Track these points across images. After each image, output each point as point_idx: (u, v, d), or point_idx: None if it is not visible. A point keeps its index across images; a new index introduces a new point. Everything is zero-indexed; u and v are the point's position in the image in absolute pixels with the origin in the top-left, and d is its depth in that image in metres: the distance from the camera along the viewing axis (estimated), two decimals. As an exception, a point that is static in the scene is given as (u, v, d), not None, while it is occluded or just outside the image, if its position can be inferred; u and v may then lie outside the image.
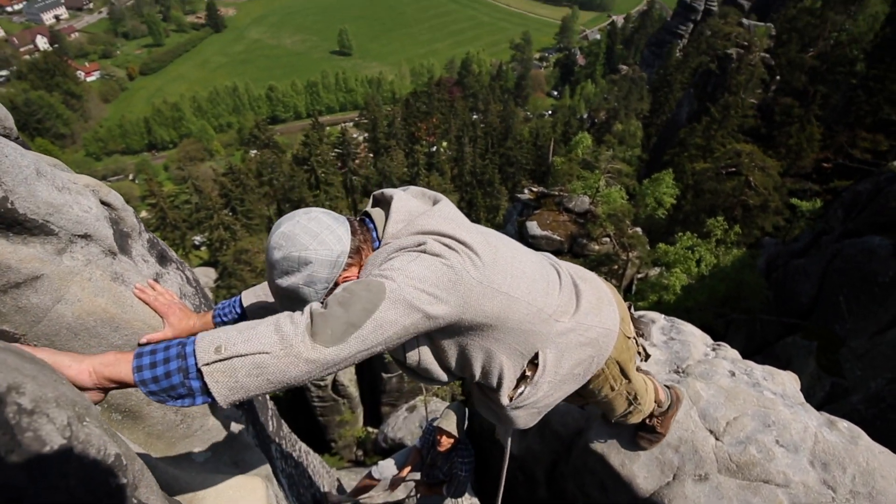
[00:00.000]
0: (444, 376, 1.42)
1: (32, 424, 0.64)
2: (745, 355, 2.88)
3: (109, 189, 1.73)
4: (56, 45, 74.87)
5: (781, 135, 24.08)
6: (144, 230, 1.92)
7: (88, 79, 72.53)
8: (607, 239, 17.52)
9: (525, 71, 73.72)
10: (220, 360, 0.97)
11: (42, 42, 74.84)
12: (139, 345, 1.55)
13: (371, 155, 43.85)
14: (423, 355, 1.35)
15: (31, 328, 1.42)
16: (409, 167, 37.34)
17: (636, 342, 1.79)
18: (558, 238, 18.00)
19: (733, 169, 19.25)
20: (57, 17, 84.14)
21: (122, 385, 1.00)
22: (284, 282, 1.19)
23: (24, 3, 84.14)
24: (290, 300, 1.23)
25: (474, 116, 50.59)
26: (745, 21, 38.10)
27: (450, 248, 1.17)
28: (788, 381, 2.62)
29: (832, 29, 25.84)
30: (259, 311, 1.60)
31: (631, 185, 21.63)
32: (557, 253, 18.16)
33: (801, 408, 2.40)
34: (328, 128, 52.84)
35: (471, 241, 1.21)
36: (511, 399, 1.47)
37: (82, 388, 0.97)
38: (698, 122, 27.38)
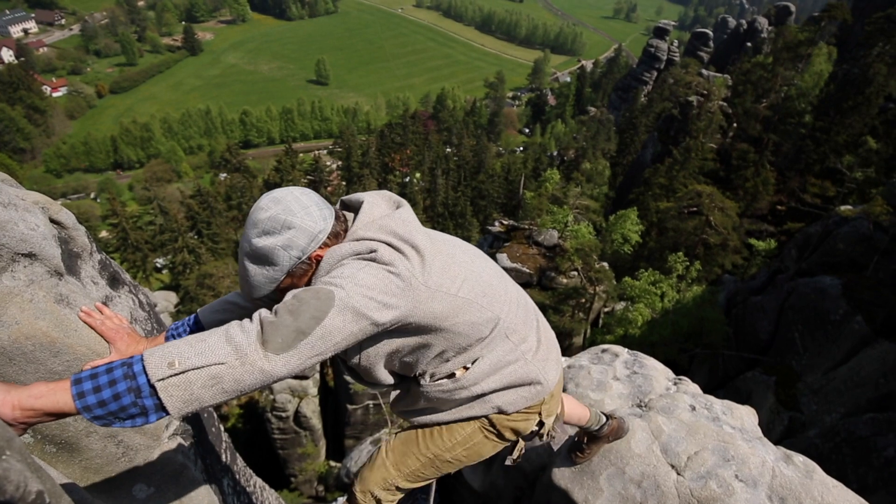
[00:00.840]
0: (387, 377, 1.43)
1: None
2: (708, 389, 2.92)
3: (61, 207, 1.65)
4: (22, 59, 73.02)
5: (738, 178, 25.38)
6: (97, 251, 1.84)
7: (55, 94, 70.73)
8: (575, 273, 17.84)
9: (498, 108, 75.92)
10: (175, 375, 0.97)
11: (7, 55, 72.89)
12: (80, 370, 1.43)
13: (344, 183, 43.84)
14: (367, 354, 1.35)
15: (-39, 351, 1.32)
16: (381, 196, 37.45)
17: (538, 428, 1.63)
18: (528, 270, 18.21)
19: (695, 209, 20.06)
20: (25, 31, 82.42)
21: (58, 416, 0.95)
22: (261, 241, 1.19)
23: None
24: (256, 271, 1.23)
25: (448, 149, 51.48)
26: (704, 72, 40.51)
27: (401, 253, 1.20)
28: (747, 416, 2.66)
29: (782, 83, 27.75)
30: (216, 323, 1.53)
31: (598, 221, 22.25)
32: (526, 285, 18.33)
33: (759, 442, 2.44)
34: (301, 154, 52.71)
35: (422, 246, 1.24)
36: (430, 379, 1.44)
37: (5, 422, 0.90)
38: (662, 163, 28.62)
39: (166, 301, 27.92)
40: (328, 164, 50.63)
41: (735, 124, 29.46)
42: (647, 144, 35.12)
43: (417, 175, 44.35)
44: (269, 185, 39.86)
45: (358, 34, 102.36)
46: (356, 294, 1.11)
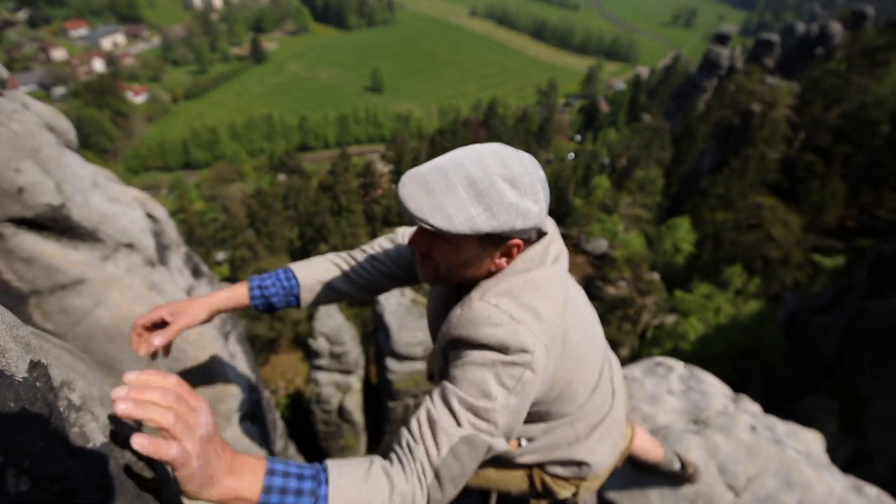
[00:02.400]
0: None
1: (79, 420, 0.67)
2: (764, 411, 2.81)
3: (156, 203, 1.82)
4: (110, 68, 79.08)
5: (804, 190, 23.90)
6: (182, 244, 2.00)
7: (136, 99, 76.10)
8: (624, 283, 17.36)
9: (549, 115, 75.08)
10: None
11: (99, 65, 79.14)
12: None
13: (394, 186, 44.61)
14: None
15: (71, 329, 1.48)
16: (429, 202, 37.83)
17: (571, 496, 1.51)
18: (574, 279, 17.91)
19: (755, 221, 19.08)
20: (115, 43, 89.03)
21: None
22: (504, 186, 0.95)
23: (87, 28, 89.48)
24: (464, 201, 0.95)
25: (497, 156, 51.22)
26: (768, 79, 38.53)
27: (549, 338, 1.04)
28: (813, 441, 2.54)
29: (857, 91, 25.97)
30: (320, 298, 1.42)
31: (650, 231, 21.57)
32: (573, 295, 18.02)
33: (826, 469, 2.32)
34: (355, 158, 54.14)
35: (553, 326, 1.06)
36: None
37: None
38: (720, 172, 27.38)
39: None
40: (380, 167, 51.71)
41: (801, 134, 27.81)
42: (704, 153, 33.71)
43: (466, 181, 44.46)
44: (324, 187, 41.16)
45: (413, 43, 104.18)
46: (508, 431, 1.02)
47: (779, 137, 27.27)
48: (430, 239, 1.05)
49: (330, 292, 1.40)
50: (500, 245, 1.03)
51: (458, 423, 0.96)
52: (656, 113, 63.79)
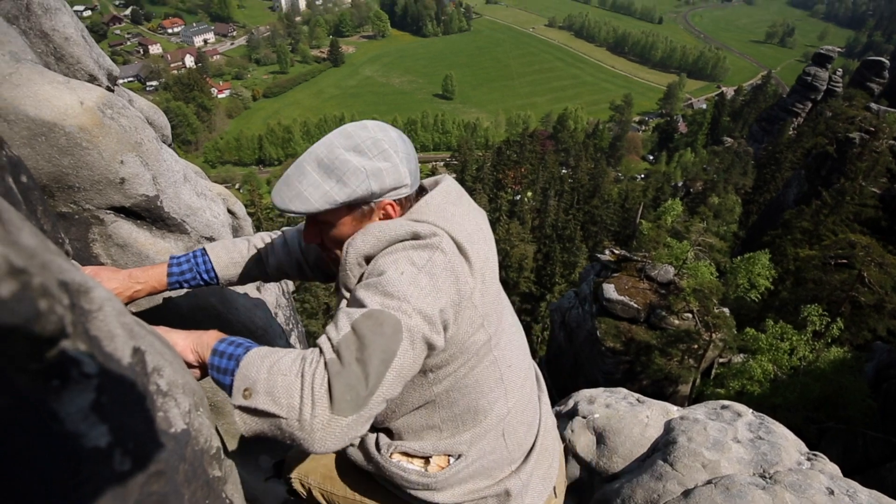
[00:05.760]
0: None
1: (164, 405, 0.71)
2: (842, 473, 2.54)
3: (236, 199, 1.93)
4: (199, 65, 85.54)
5: (907, 231, 21.65)
6: (256, 240, 2.12)
7: (220, 95, 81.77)
8: (689, 315, 16.44)
9: (622, 132, 72.95)
10: (245, 409, 0.89)
11: (189, 61, 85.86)
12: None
13: (456, 194, 45.01)
14: None
15: (151, 310, 1.59)
16: (491, 211, 37.78)
17: None
18: (635, 305, 17.17)
19: (844, 261, 17.50)
20: (205, 41, 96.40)
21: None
22: (348, 155, 1.04)
23: (183, 26, 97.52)
24: (318, 181, 1.04)
25: (563, 171, 50.51)
26: (873, 105, 35.39)
27: (464, 255, 1.05)
28: (900, 516, 2.26)
29: (980, 124, 23.28)
30: (233, 276, 1.43)
31: (723, 262, 20.33)
32: (632, 321, 17.29)
33: (916, 551, 2.06)
34: (420, 164, 55.14)
35: (483, 257, 1.09)
36: (391, 452, 1.18)
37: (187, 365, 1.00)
38: (807, 205, 25.39)
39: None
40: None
41: (909, 168, 25.25)
42: (790, 183, 31.45)
43: (529, 194, 44.06)
44: (387, 190, 42.22)
45: (487, 52, 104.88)
46: (423, 310, 0.94)
47: (880, 170, 24.92)
48: (314, 229, 1.15)
49: (242, 276, 1.42)
50: (371, 212, 1.10)
51: (364, 306, 0.94)
52: (739, 136, 60.34)
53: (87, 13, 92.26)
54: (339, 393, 0.86)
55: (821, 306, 14.21)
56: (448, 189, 1.17)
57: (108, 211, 1.48)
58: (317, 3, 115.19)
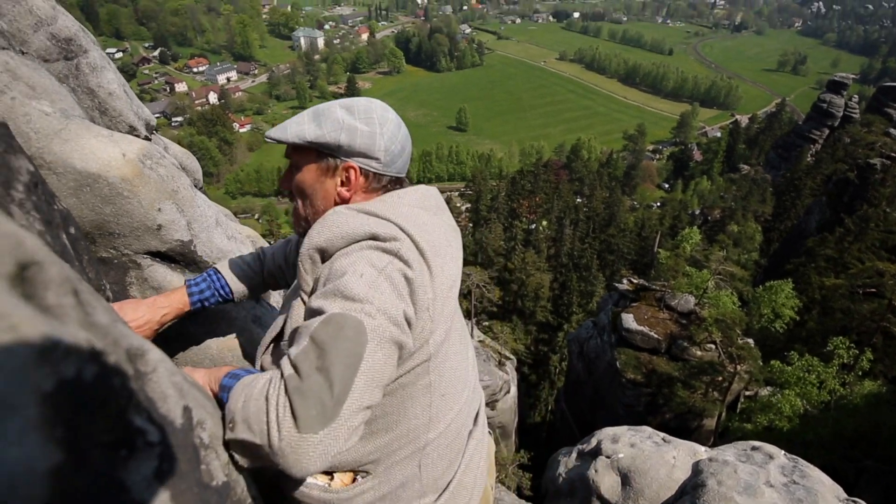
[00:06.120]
0: None
1: (206, 458, 0.73)
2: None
3: (264, 241, 1.99)
4: (222, 101, 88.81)
5: (937, 259, 21.05)
6: (282, 279, 2.17)
7: (241, 130, 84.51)
8: (712, 346, 16.05)
9: (636, 161, 73.09)
10: (231, 442, 0.85)
11: (213, 97, 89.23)
12: None
13: (471, 224, 45.20)
14: None
15: (183, 353, 1.63)
16: (506, 241, 37.79)
17: None
18: (656, 336, 16.84)
19: (873, 290, 17.03)
20: (228, 79, 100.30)
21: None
22: (337, 110, 1.11)
23: (207, 65, 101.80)
24: (304, 120, 1.11)
25: (578, 200, 50.57)
26: (893, 131, 35.06)
27: (423, 257, 1.02)
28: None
29: None
30: (242, 287, 1.47)
31: (745, 291, 19.94)
32: (653, 352, 16.94)
33: None
34: (435, 194, 55.79)
35: (441, 266, 1.05)
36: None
37: None
38: (830, 232, 24.93)
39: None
40: (458, 205, 52.78)
41: (934, 195, 24.76)
42: (811, 210, 30.99)
43: (544, 223, 44.09)
44: (403, 221, 42.64)
45: (499, 85, 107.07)
46: (387, 311, 0.90)
47: (903, 196, 24.53)
48: (289, 174, 1.18)
49: (252, 289, 1.48)
50: (335, 169, 1.12)
51: (324, 313, 0.89)
52: (756, 163, 59.99)
53: (119, 55, 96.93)
54: (302, 409, 0.80)
55: (851, 337, 13.77)
56: (426, 195, 1.18)
57: (145, 255, 1.54)
58: (334, 41, 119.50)
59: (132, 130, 1.79)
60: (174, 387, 0.63)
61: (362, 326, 0.86)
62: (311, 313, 0.93)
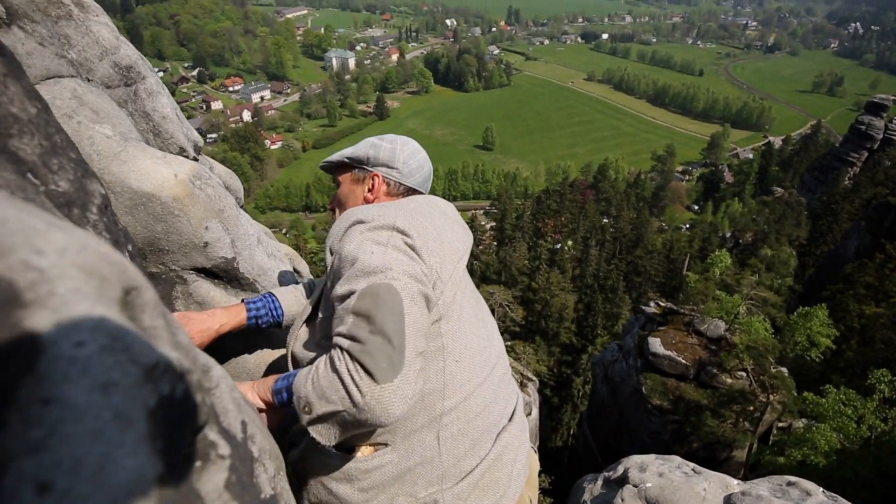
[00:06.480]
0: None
1: (256, 471, 0.76)
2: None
3: (301, 259, 2.06)
4: (255, 119, 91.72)
5: None
6: (316, 296, 2.24)
7: (273, 147, 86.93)
8: (743, 373, 15.50)
9: (665, 182, 72.05)
10: (313, 422, 0.98)
11: (246, 115, 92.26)
12: None
13: (495, 243, 45.14)
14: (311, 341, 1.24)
15: (223, 366, 1.70)
16: (530, 260, 37.56)
17: None
18: (683, 361, 16.38)
19: (917, 320, 16.26)
20: (262, 98, 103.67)
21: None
22: (371, 139, 1.44)
23: (242, 84, 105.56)
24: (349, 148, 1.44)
25: (604, 220, 50.05)
26: (936, 155, 33.71)
27: (418, 223, 1.16)
28: None
29: None
30: (294, 307, 1.56)
31: (778, 318, 19.27)
32: (681, 378, 16.46)
33: None
34: (459, 212, 56.02)
35: (439, 238, 1.19)
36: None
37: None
38: (870, 258, 23.98)
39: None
40: (483, 223, 52.84)
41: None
42: (849, 235, 29.91)
43: (569, 243, 43.70)
44: (427, 238, 42.80)
45: (527, 105, 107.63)
46: (407, 271, 1.02)
47: (949, 223, 23.49)
48: (335, 196, 1.49)
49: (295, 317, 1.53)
50: (364, 178, 1.41)
51: (354, 293, 1.00)
52: (790, 186, 58.47)
53: (160, 74, 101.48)
54: (374, 365, 0.91)
55: (893, 370, 13.10)
56: (433, 200, 1.37)
57: (191, 271, 1.62)
58: (365, 62, 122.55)
59: (182, 151, 1.89)
60: (234, 402, 0.67)
61: (393, 289, 0.98)
62: (342, 298, 1.02)
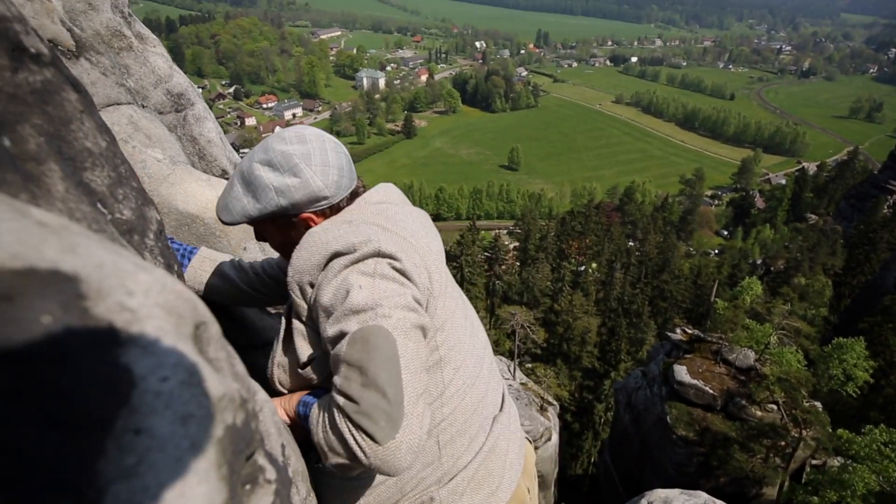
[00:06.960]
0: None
1: (292, 493, 0.80)
2: None
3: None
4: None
5: None
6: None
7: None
8: (774, 406, 14.93)
9: (693, 206, 70.77)
10: (332, 465, 0.95)
11: (278, 131, 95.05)
12: None
13: (518, 264, 44.88)
14: (290, 362, 1.14)
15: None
16: (553, 281, 37.18)
17: None
18: (711, 391, 15.89)
19: (962, 358, 15.44)
20: (294, 115, 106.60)
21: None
22: (261, 170, 1.09)
23: (276, 102, 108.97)
24: (240, 194, 1.12)
25: (630, 244, 49.32)
26: (983, 186, 32.34)
27: (404, 240, 1.09)
28: None
29: None
30: (205, 284, 1.47)
31: (811, 350, 18.58)
32: (708, 409, 15.95)
33: None
34: (483, 232, 56.01)
35: (425, 249, 1.13)
36: None
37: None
38: (911, 291, 22.97)
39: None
40: (506, 243, 52.69)
41: None
42: (889, 265, 28.75)
43: (594, 265, 43.14)
44: (449, 257, 42.83)
45: (554, 126, 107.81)
46: (398, 303, 0.97)
47: None
48: (257, 233, 1.22)
49: (217, 279, 1.45)
50: (293, 224, 1.14)
51: (346, 335, 0.95)
52: (825, 213, 56.74)
53: (199, 90, 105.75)
54: (372, 426, 0.87)
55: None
56: (388, 191, 1.24)
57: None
58: (395, 82, 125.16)
59: (224, 174, 1.99)
60: (275, 426, 0.71)
61: (384, 331, 0.93)
62: (334, 340, 0.98)
